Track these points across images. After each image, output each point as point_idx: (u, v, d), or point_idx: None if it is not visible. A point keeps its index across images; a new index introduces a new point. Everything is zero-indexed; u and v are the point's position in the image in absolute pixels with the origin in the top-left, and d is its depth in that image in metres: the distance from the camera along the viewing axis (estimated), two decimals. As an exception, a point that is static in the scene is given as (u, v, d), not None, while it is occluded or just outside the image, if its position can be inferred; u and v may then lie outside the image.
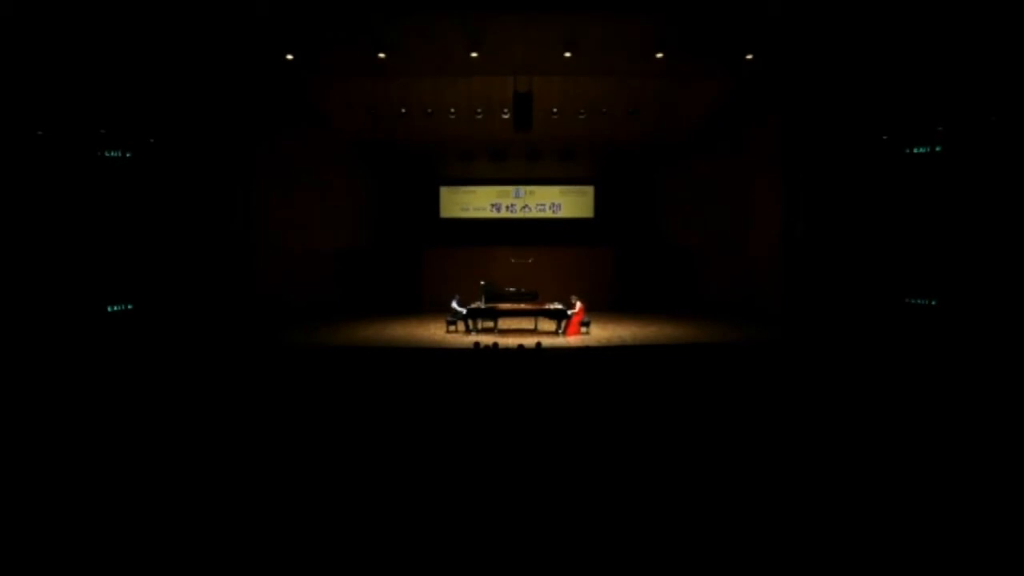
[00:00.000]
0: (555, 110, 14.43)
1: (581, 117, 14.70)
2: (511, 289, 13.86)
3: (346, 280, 16.67)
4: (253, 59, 12.36)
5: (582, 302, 13.01)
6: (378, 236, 17.28)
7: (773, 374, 8.20)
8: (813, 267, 13.66)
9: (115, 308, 12.35)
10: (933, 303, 12.14)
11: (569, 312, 12.77)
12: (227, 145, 13.59)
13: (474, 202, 17.76)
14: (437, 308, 15.37)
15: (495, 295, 13.57)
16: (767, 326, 13.52)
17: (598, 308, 15.50)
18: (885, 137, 12.82)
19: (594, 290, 16.29)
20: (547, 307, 13.05)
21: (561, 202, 17.81)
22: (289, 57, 12.23)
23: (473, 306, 13.08)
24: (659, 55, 12.25)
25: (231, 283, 13.77)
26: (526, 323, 13.92)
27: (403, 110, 14.63)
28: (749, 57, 12.32)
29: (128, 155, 12.42)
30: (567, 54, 12.11)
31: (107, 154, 12.20)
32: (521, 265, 16.92)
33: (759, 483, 4.28)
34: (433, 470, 4.48)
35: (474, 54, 12.11)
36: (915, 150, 12.42)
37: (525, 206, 17.75)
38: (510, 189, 17.71)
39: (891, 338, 11.42)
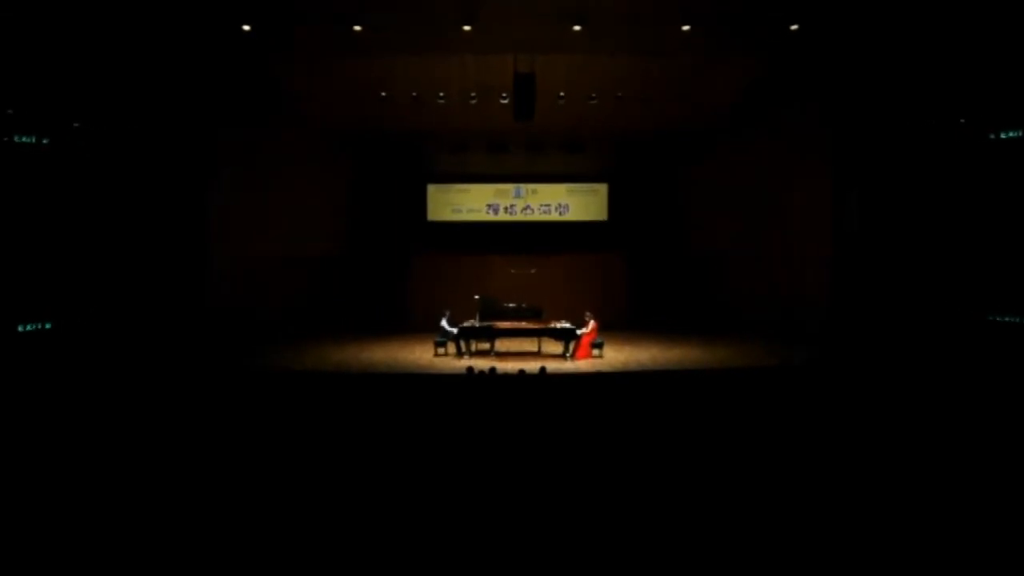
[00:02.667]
0: (561, 94, 13.67)
1: (592, 103, 13.98)
2: (511, 304, 13.22)
3: (318, 292, 15.96)
4: (202, 30, 11.44)
5: (596, 320, 12.41)
6: (356, 241, 16.68)
7: (820, 405, 7.84)
8: (868, 276, 12.89)
9: (28, 328, 11.59)
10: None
11: (579, 332, 12.23)
12: (173, 132, 12.76)
13: (467, 202, 17.11)
14: (424, 327, 14.58)
15: (492, 311, 13.03)
16: (811, 345, 12.95)
17: (613, 326, 14.84)
18: (963, 120, 12.08)
19: (608, 305, 15.63)
20: (553, 326, 12.52)
21: (568, 202, 17.16)
22: (246, 28, 11.27)
23: (466, 324, 12.62)
24: (685, 28, 11.51)
25: (179, 296, 12.97)
26: (528, 344, 13.33)
27: (383, 94, 13.85)
28: (794, 28, 11.48)
29: (45, 141, 11.78)
30: (576, 28, 11.36)
31: (17, 139, 11.50)
32: (522, 276, 16.31)
33: (809, 543, 4.04)
34: (417, 521, 4.31)
35: (467, 27, 11.45)
36: (1002, 135, 11.69)
37: (527, 207, 17.12)
38: (509, 187, 17.05)
39: (967, 362, 10.63)
